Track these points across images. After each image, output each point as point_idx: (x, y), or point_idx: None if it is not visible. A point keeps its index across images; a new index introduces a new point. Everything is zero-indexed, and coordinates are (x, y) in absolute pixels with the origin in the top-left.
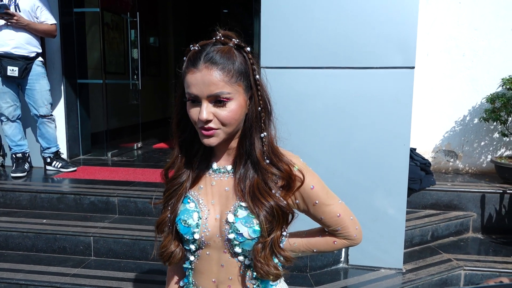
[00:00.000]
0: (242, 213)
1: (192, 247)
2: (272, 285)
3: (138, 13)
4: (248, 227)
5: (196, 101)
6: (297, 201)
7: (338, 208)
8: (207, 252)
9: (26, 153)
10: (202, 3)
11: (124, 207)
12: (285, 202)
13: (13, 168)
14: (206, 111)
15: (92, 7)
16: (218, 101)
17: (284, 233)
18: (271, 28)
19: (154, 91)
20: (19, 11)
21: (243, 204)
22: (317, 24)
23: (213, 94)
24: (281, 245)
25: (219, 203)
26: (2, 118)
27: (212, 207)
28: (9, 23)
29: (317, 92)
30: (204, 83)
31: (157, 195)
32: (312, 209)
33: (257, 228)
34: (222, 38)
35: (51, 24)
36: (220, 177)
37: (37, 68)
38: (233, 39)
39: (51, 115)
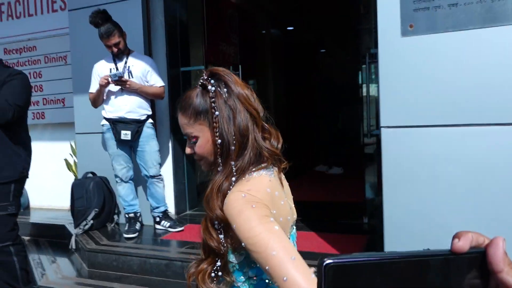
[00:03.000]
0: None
1: None
2: None
3: (240, 66)
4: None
5: None
6: (230, 235)
7: (268, 259)
8: None
9: (138, 212)
10: (299, 45)
11: None
12: (215, 242)
13: (126, 228)
14: (187, 147)
15: (197, 64)
16: (190, 140)
17: (216, 266)
18: (390, 80)
19: None
20: (132, 77)
21: None
22: (450, 76)
23: (184, 134)
24: (206, 277)
25: None
26: (117, 179)
27: None
28: (123, 89)
29: (452, 153)
30: (180, 125)
31: None
32: (251, 254)
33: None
34: (203, 78)
35: (159, 87)
36: None
37: (147, 130)
38: (201, 80)
39: (160, 175)
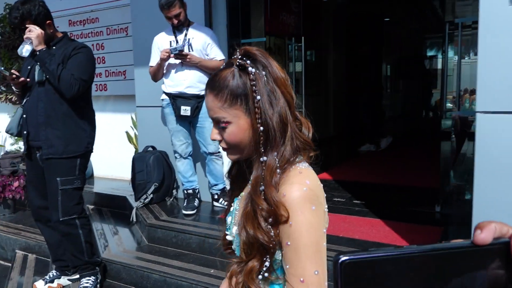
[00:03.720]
0: (236, 230)
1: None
2: None
3: (303, 37)
4: (236, 246)
5: None
6: (278, 231)
7: (308, 273)
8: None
9: (196, 189)
10: (362, 14)
11: None
12: (267, 236)
13: (184, 204)
14: (213, 132)
15: (258, 35)
16: (219, 125)
17: (265, 265)
18: (492, 57)
19: (315, 112)
20: (192, 50)
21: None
22: None
23: (213, 118)
24: (254, 277)
25: (239, 215)
26: (176, 155)
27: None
28: (183, 63)
29: None
30: (207, 107)
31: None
32: (284, 250)
33: (238, 248)
34: (237, 58)
35: (220, 60)
36: (248, 190)
37: None
38: (239, 59)
39: (219, 152)
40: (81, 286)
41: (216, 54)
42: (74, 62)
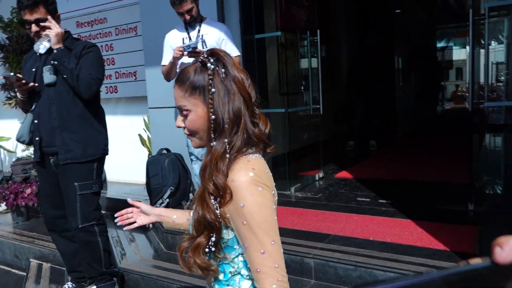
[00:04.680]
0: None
1: None
2: (223, 285)
3: (318, 31)
4: (191, 225)
5: None
6: (228, 215)
7: (267, 245)
8: None
9: None
10: (373, 5)
11: (322, 272)
12: (212, 215)
13: None
14: (178, 119)
15: (270, 31)
16: (182, 112)
17: (211, 242)
18: None
19: (329, 108)
20: (206, 47)
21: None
22: None
23: (177, 106)
24: (200, 252)
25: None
26: (192, 157)
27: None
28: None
29: None
30: (174, 97)
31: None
32: (240, 230)
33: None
34: (203, 56)
35: (235, 56)
36: None
37: None
38: (202, 58)
39: None
40: None
41: (231, 50)
42: (87, 61)
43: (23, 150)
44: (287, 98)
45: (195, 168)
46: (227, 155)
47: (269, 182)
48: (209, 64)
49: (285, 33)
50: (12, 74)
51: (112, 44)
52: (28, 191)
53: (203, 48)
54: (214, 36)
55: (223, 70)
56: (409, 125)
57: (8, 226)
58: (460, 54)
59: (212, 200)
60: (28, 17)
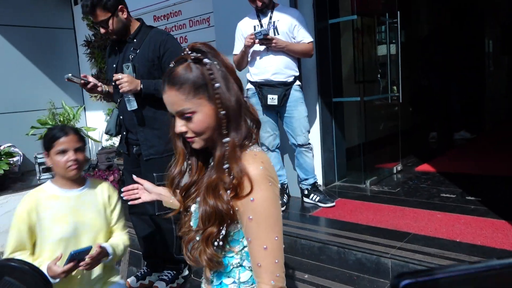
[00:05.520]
0: (195, 206)
1: None
2: (223, 276)
3: (398, 12)
4: (194, 219)
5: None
6: (236, 208)
7: (270, 241)
8: None
9: (285, 184)
10: None
11: None
12: (225, 206)
13: None
14: (178, 125)
15: (346, 14)
16: (184, 116)
17: (221, 233)
18: None
19: (408, 97)
20: (278, 34)
21: (198, 199)
22: None
23: (178, 111)
24: (212, 242)
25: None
26: (263, 147)
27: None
28: (268, 48)
29: None
30: (169, 103)
31: None
32: (245, 224)
33: (196, 220)
34: (188, 53)
35: (308, 43)
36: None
37: (296, 93)
38: (191, 54)
39: (309, 143)
40: (160, 277)
41: (303, 37)
42: (170, 61)
43: (107, 140)
44: (363, 86)
45: None
46: (238, 147)
47: (276, 177)
48: (205, 60)
49: (361, 17)
50: (70, 75)
51: (186, 36)
52: (111, 178)
53: (275, 35)
54: (286, 22)
55: (215, 62)
56: (500, 113)
57: None
58: None
59: (224, 191)
60: (94, 20)
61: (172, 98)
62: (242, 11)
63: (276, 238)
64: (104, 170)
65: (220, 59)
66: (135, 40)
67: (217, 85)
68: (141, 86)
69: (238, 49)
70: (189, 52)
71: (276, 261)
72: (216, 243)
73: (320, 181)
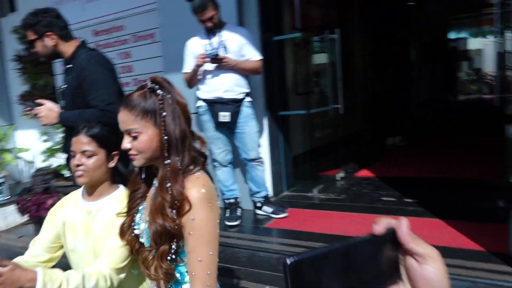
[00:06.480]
0: (144, 225)
1: None
2: (181, 284)
3: (338, 29)
4: (146, 238)
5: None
6: (180, 221)
7: (205, 255)
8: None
9: (238, 198)
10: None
11: None
12: (173, 224)
13: (228, 215)
14: (124, 142)
15: (287, 32)
16: (131, 135)
17: (173, 248)
18: None
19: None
20: (228, 52)
21: (147, 218)
22: None
23: (126, 130)
24: (164, 259)
25: (147, 212)
26: (215, 163)
27: (146, 214)
28: (219, 67)
29: None
30: (121, 121)
31: None
32: (186, 238)
33: (148, 239)
34: (147, 83)
35: (257, 61)
36: (153, 191)
37: (246, 109)
38: (150, 85)
39: (260, 157)
40: None
41: (252, 55)
42: (88, 89)
43: (43, 161)
44: (307, 99)
45: (219, 174)
46: (180, 171)
47: (216, 197)
48: (158, 91)
49: (304, 33)
50: (30, 103)
51: (130, 51)
52: (49, 202)
53: (224, 53)
54: (235, 41)
55: (168, 95)
56: (427, 120)
57: (31, 237)
58: (475, 44)
59: (170, 210)
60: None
61: (124, 117)
62: (190, 27)
63: (211, 253)
64: (41, 193)
65: (173, 94)
66: (71, 65)
67: (164, 113)
68: (58, 120)
69: (188, 67)
70: (149, 82)
71: (209, 272)
72: (169, 257)
73: (270, 191)
